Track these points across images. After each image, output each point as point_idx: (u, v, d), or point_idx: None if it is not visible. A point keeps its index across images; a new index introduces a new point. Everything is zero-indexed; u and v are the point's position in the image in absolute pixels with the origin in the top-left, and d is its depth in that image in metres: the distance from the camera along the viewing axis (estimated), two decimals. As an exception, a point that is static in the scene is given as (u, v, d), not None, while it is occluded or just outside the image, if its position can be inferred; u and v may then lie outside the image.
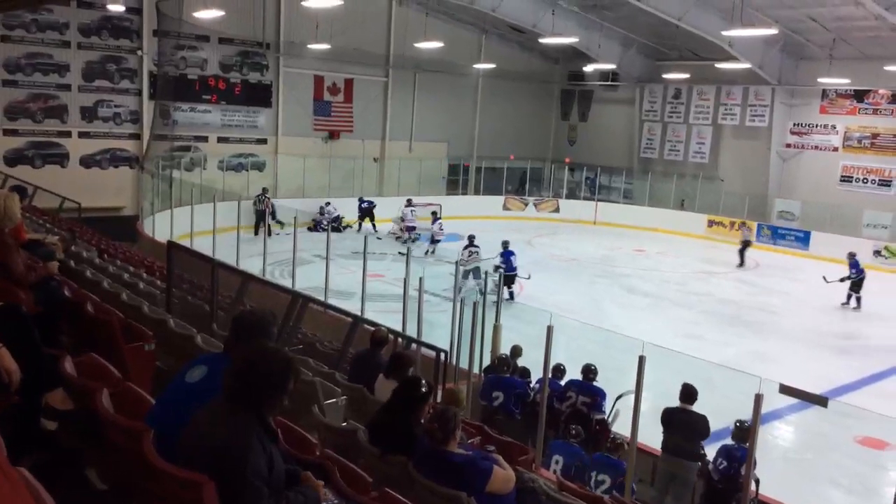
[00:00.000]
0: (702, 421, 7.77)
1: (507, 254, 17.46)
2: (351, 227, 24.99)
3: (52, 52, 21.88)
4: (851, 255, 19.07)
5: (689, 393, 7.86)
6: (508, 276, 16.13)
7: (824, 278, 18.80)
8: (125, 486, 2.90)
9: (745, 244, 23.72)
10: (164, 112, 23.69)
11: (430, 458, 3.97)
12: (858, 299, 18.60)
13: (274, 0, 25.51)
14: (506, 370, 9.19)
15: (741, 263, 23.30)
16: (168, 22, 22.58)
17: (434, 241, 22.03)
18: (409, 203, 24.93)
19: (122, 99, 23.32)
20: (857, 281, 18.58)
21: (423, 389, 4.38)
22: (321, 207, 24.81)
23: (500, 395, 8.83)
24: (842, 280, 18.74)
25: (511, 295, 16.37)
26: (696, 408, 7.85)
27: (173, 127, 24.18)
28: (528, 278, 16.96)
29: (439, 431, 3.99)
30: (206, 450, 2.56)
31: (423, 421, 4.25)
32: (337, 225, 23.47)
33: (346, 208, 25.46)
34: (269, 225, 19.80)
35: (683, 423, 7.81)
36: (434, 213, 23.80)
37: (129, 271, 10.05)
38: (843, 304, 18.77)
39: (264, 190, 23.59)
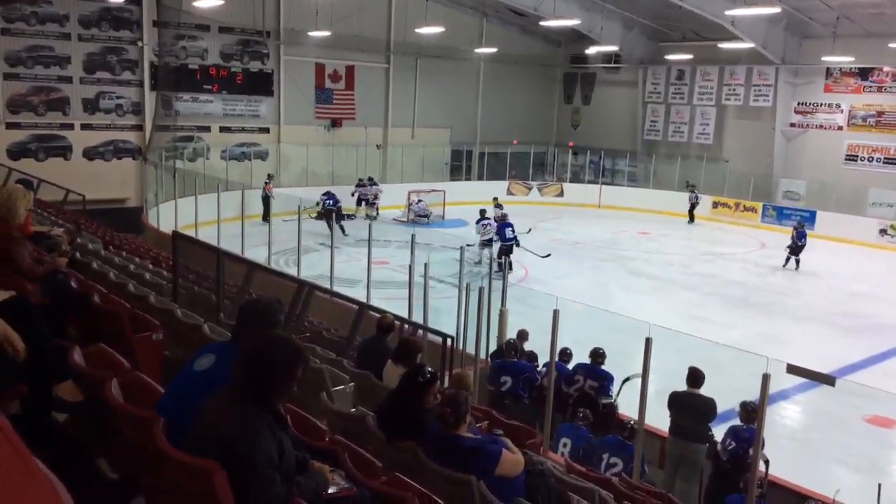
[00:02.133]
0: (709, 403, 7.77)
1: (503, 226, 18.33)
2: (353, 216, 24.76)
3: (53, 45, 21.86)
4: (800, 225, 21.11)
5: (695, 376, 7.85)
6: (505, 246, 17.59)
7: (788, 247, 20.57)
8: (136, 475, 2.92)
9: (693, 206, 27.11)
10: (165, 102, 23.68)
11: (440, 442, 3.98)
12: (797, 261, 20.28)
13: (273, -13, 25.45)
14: (513, 355, 9.21)
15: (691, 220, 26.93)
16: (168, 12, 22.54)
17: (485, 245, 18.74)
18: (372, 181, 25.63)
19: (124, 90, 23.31)
20: (801, 246, 20.29)
21: (424, 377, 4.38)
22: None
23: (508, 379, 8.85)
24: (788, 247, 20.44)
25: (509, 265, 16.81)
26: (704, 389, 7.85)
27: (175, 117, 24.18)
28: (528, 231, 18.75)
29: (451, 415, 4.00)
30: (217, 438, 2.56)
31: (433, 405, 4.26)
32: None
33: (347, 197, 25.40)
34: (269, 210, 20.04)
35: (691, 407, 7.80)
36: (482, 212, 20.18)
37: (135, 262, 10.05)
38: (783, 266, 20.41)
39: (269, 176, 23.59)
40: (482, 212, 20.07)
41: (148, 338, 4.48)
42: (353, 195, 24.95)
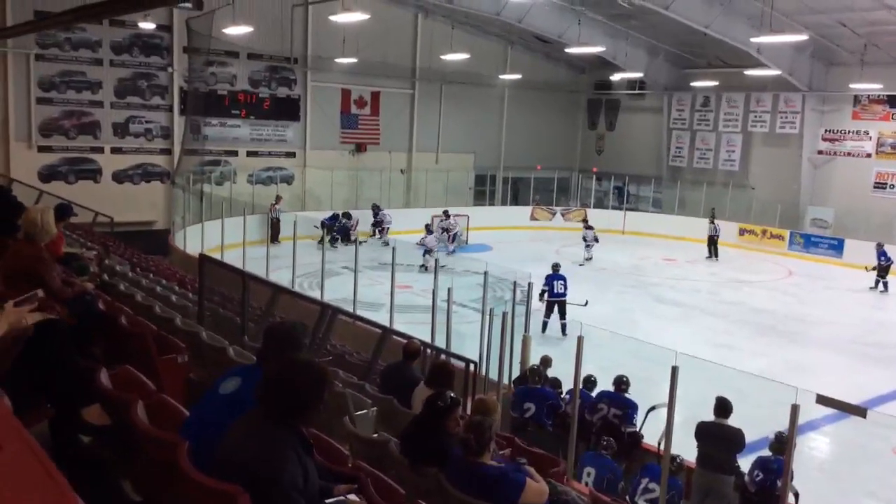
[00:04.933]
0: (738, 434, 7.64)
1: (551, 277, 15.54)
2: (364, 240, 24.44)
3: (85, 70, 22.29)
4: (879, 245, 21.34)
5: (723, 406, 7.73)
6: (551, 301, 15.26)
7: (866, 268, 21.25)
8: (160, 498, 2.92)
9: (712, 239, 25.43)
10: (194, 127, 24.00)
11: (464, 469, 3.94)
12: (886, 283, 20.86)
13: (302, 15, 25.77)
14: (537, 381, 9.14)
15: (710, 255, 25.17)
16: (198, 39, 22.90)
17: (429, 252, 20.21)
18: (378, 209, 25.83)
19: (154, 115, 23.68)
20: (885, 267, 20.88)
21: (445, 402, 4.35)
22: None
23: (531, 406, 8.78)
24: (874, 268, 21.07)
25: (562, 327, 15.10)
26: (731, 419, 7.72)
27: (203, 142, 24.48)
28: (585, 305, 15.51)
29: (475, 442, 3.96)
30: (243, 462, 2.56)
31: (457, 431, 4.22)
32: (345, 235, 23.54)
33: (365, 220, 25.56)
34: (277, 232, 20.90)
35: (718, 437, 7.67)
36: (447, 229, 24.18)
37: (162, 284, 10.15)
38: (870, 287, 21.01)
39: (277, 198, 23.80)
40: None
41: (173, 360, 4.50)
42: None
